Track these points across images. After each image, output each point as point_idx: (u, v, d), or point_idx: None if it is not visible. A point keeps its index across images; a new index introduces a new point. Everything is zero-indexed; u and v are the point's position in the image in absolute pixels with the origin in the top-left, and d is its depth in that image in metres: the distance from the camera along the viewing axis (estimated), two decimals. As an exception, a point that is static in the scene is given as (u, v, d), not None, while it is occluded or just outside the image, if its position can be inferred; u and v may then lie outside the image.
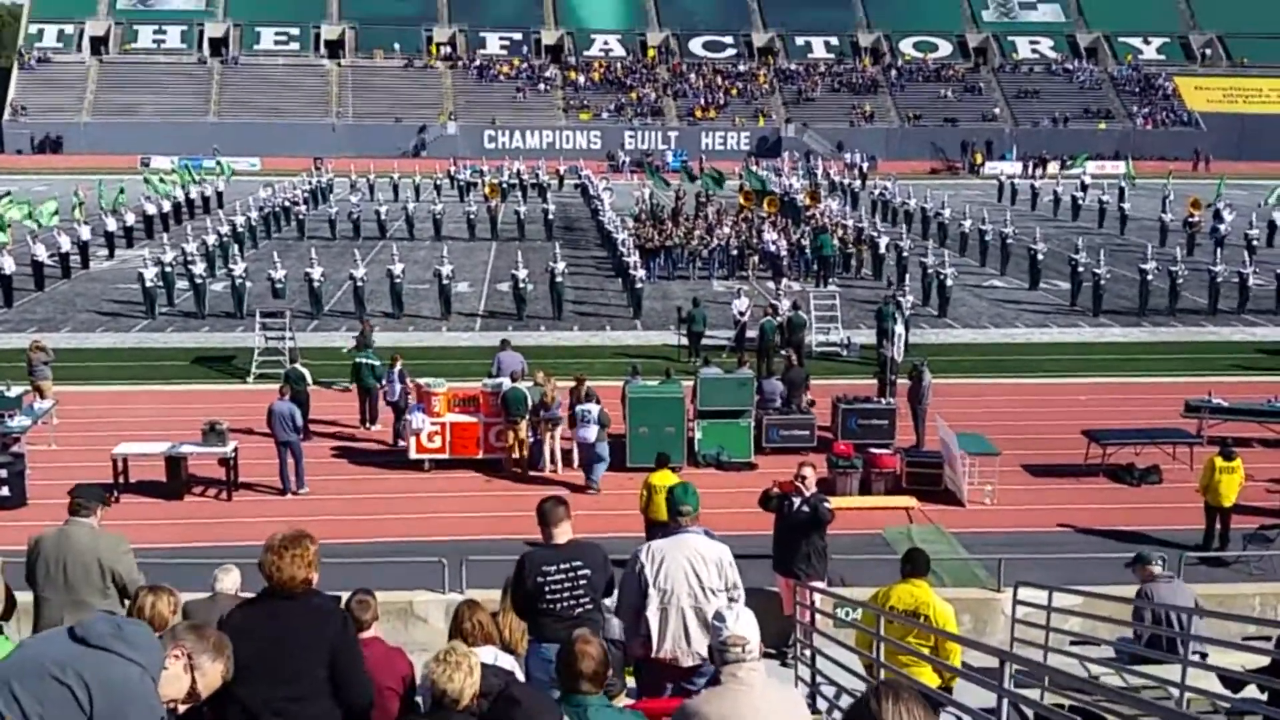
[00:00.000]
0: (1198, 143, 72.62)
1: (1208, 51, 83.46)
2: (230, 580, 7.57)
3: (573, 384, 17.16)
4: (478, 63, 78.63)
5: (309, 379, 18.18)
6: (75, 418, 18.76)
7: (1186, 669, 7.51)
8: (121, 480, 15.61)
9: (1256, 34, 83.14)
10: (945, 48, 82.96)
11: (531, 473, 16.73)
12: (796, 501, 10.71)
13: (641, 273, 28.20)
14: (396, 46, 78.69)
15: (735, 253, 32.60)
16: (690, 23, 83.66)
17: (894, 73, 79.91)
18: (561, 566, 6.23)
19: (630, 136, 72.34)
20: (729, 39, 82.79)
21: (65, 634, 3.26)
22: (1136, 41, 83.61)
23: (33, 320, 26.84)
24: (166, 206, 41.38)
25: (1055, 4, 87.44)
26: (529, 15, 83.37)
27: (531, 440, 16.91)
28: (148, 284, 26.92)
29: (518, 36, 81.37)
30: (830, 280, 30.86)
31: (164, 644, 3.51)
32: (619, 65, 79.15)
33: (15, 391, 18.01)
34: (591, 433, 16.09)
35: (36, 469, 16.05)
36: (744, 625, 4.46)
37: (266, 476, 16.19)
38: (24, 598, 6.96)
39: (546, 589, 6.21)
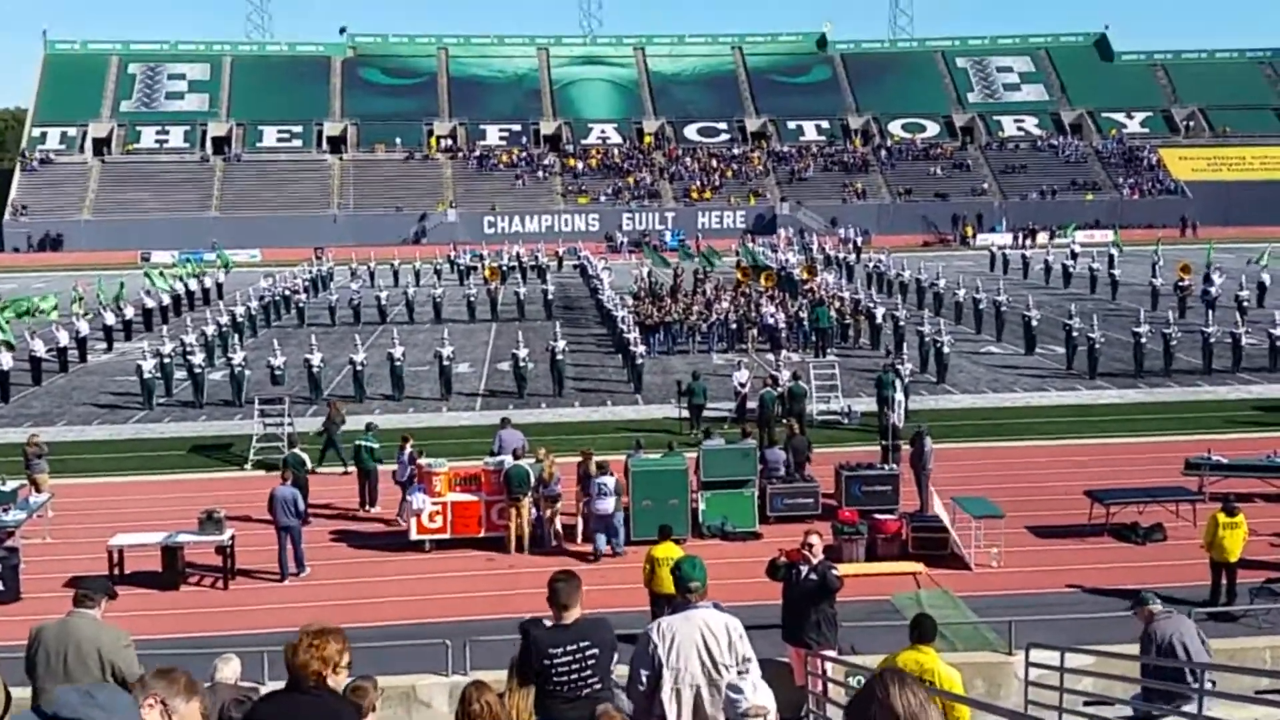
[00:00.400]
0: (1184, 210, 73.80)
1: (1190, 124, 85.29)
2: (230, 669, 7.55)
3: (578, 459, 17.14)
4: (477, 153, 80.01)
5: (308, 463, 18.08)
6: (71, 510, 18.54)
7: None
8: (118, 572, 15.39)
9: (1236, 105, 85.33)
10: (933, 128, 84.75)
11: (534, 551, 16.56)
12: (804, 570, 10.64)
13: (641, 349, 28.35)
14: (398, 141, 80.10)
15: (734, 326, 32.91)
16: (684, 111, 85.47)
17: (884, 152, 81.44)
18: (568, 648, 6.15)
19: (628, 218, 73.31)
20: (722, 125, 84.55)
21: (32, 714, 3.16)
22: (1119, 117, 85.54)
23: (29, 415, 26.59)
24: (166, 300, 41.60)
25: (1038, 84, 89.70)
26: (527, 109, 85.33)
27: (533, 517, 16.81)
28: (145, 376, 26.93)
29: (517, 128, 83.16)
30: (829, 351, 31.15)
31: (136, 697, 3.51)
32: (616, 152, 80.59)
33: (10, 486, 17.87)
34: (609, 504, 16.12)
35: (31, 563, 15.90)
36: (762, 695, 4.48)
37: (265, 563, 16.00)
38: (19, 693, 6.92)
39: (553, 671, 6.14)
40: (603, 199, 75.37)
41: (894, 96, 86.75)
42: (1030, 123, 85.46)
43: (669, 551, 12.51)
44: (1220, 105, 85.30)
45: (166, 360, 28.10)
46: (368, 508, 18.61)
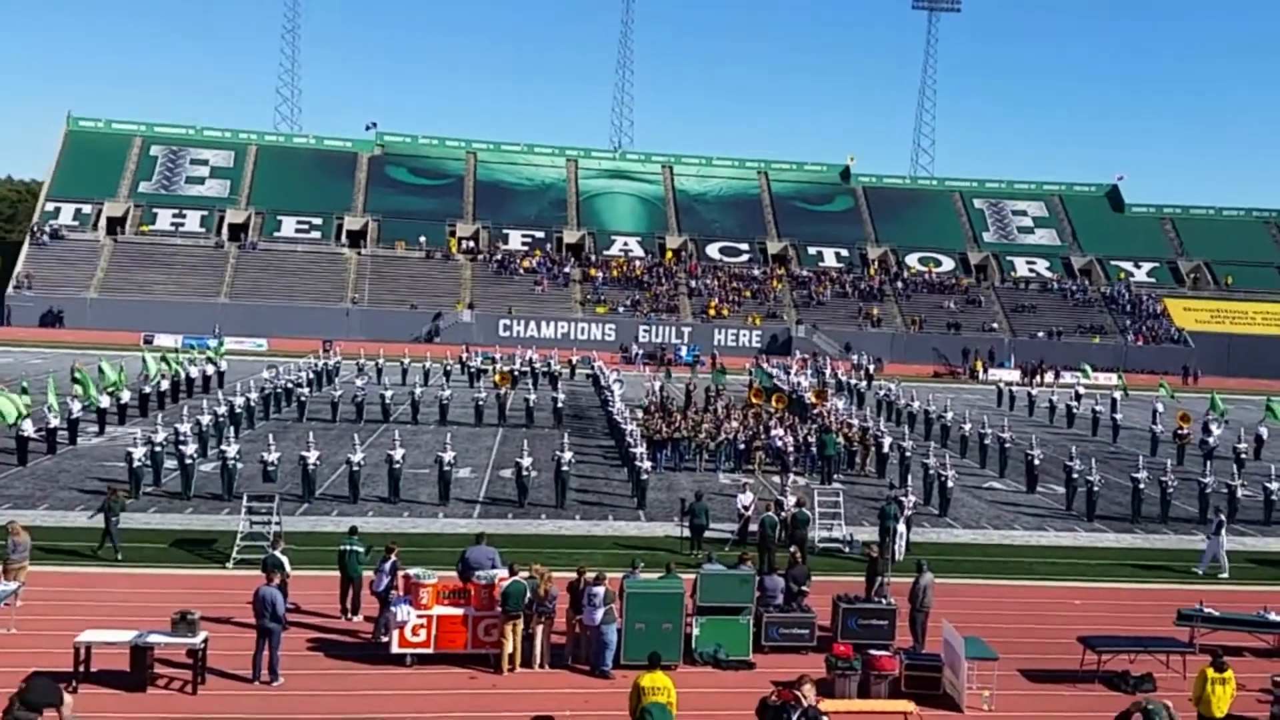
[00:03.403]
0: (1187, 359, 74.98)
1: (1195, 276, 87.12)
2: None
3: (574, 576, 16.96)
4: (499, 256, 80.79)
5: (288, 567, 17.10)
6: (42, 600, 17.82)
7: None
8: (83, 669, 14.76)
9: (1240, 261, 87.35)
10: (948, 263, 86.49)
11: (521, 669, 16.11)
12: (795, 714, 10.81)
13: (647, 464, 28.29)
14: (422, 239, 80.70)
15: (743, 447, 33.12)
16: (708, 230, 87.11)
17: (899, 283, 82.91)
18: None
19: (645, 330, 74.13)
20: (744, 245, 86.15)
21: None
22: (1128, 265, 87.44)
23: (10, 497, 25.58)
24: (165, 385, 40.63)
25: (1051, 229, 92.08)
26: (552, 216, 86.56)
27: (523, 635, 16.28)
28: (135, 463, 25.94)
29: (540, 234, 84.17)
30: (834, 478, 31.46)
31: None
32: (638, 264, 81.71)
33: None
34: (598, 615, 15.92)
35: (-10, 654, 15.36)
36: None
37: (239, 668, 15.38)
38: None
39: None
40: (621, 310, 76.32)
41: (912, 230, 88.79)
42: (1042, 265, 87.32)
43: (656, 681, 12.40)
44: (1225, 260, 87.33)
45: (158, 448, 27.17)
46: (349, 616, 18.00)
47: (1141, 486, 28.59)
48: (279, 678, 15.26)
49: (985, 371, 69.81)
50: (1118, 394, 48.41)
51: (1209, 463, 32.84)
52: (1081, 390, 52.15)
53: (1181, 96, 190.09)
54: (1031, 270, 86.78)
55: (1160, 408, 44.24)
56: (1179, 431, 39.03)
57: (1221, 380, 68.18)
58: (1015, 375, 66.34)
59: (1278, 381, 68.68)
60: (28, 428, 29.49)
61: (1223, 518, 24.45)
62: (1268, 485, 29.12)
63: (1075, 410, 47.44)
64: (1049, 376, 66.20)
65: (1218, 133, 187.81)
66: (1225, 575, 23.20)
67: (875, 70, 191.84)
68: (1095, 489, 28.50)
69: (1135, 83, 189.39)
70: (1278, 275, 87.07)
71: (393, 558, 17.46)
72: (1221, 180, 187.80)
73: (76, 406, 33.66)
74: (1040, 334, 77.59)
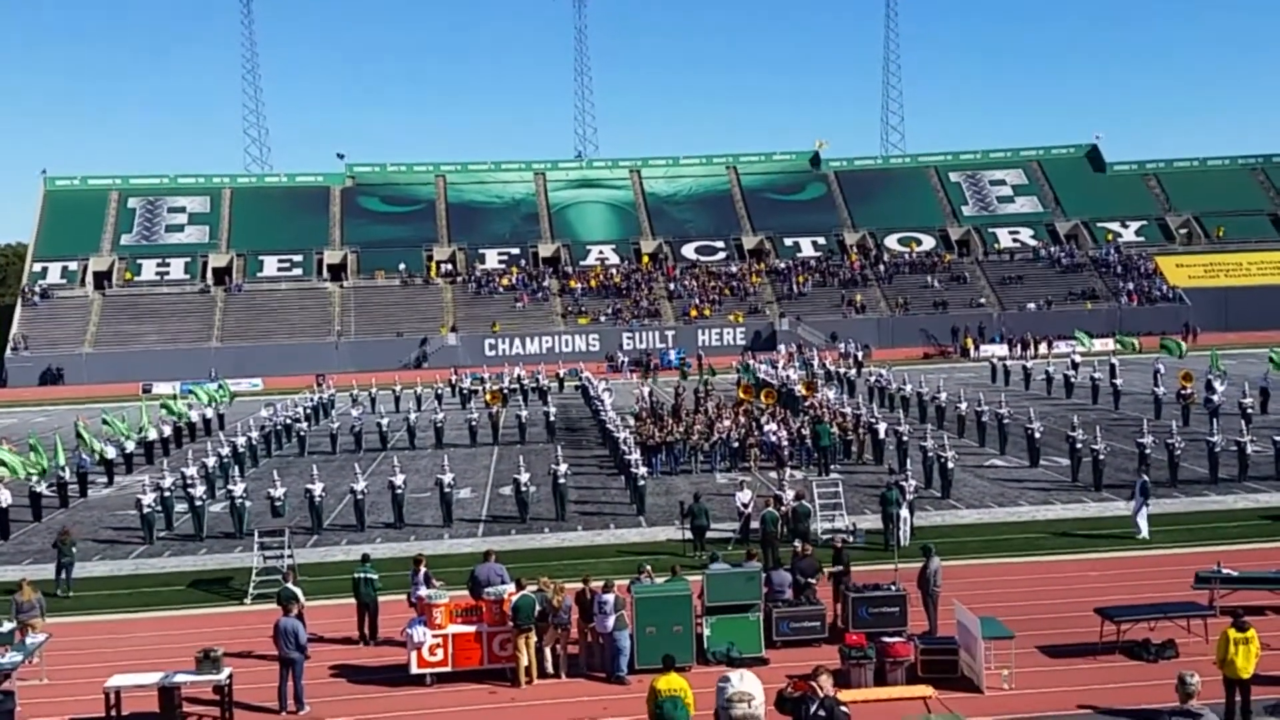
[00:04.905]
0: (1184, 317, 74.17)
1: (1185, 231, 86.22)
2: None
3: (579, 586, 17.05)
4: (477, 276, 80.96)
5: (301, 598, 17.66)
6: (69, 649, 18.25)
7: None
8: (115, 714, 15.04)
9: (1229, 212, 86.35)
10: (928, 241, 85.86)
11: (539, 681, 16.21)
12: (813, 705, 10.59)
13: (643, 470, 28.22)
14: (402, 266, 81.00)
15: (736, 445, 32.82)
16: (681, 230, 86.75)
17: (881, 266, 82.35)
18: None
19: (628, 338, 73.86)
20: (719, 243, 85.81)
21: None
22: (1114, 226, 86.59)
23: (29, 552, 26.31)
24: (168, 431, 41.55)
25: (1032, 196, 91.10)
26: (525, 232, 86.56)
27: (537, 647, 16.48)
28: (145, 510, 26.70)
29: (515, 251, 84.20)
30: (831, 468, 31.03)
31: None
32: (615, 272, 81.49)
33: (7, 627, 17.61)
34: (609, 622, 15.94)
35: (28, 705, 15.54)
36: (748, 683, 4.55)
37: (265, 700, 15.67)
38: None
39: None
40: (603, 319, 76.11)
41: (889, 211, 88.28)
42: (1025, 234, 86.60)
43: (672, 683, 12.25)
44: (1214, 212, 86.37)
45: (167, 493, 27.98)
46: (370, 642, 18.20)
47: (1148, 451, 28.09)
48: (305, 706, 15.49)
49: (976, 348, 69.35)
50: (1115, 359, 47.94)
51: (1215, 421, 32.34)
52: (1078, 359, 51.71)
53: (1154, 46, 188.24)
54: (1015, 240, 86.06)
55: (1162, 369, 43.76)
56: (1182, 392, 38.54)
57: (1221, 335, 67.43)
58: (1005, 349, 65.64)
59: (1278, 332, 68.13)
60: (40, 484, 30.48)
61: (1145, 479, 23.92)
62: (1277, 439, 28.55)
63: (1073, 379, 47.00)
64: (1041, 348, 65.54)
65: (1194, 81, 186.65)
66: (1143, 537, 22.66)
67: (839, 50, 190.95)
68: (1100, 458, 27.91)
69: (1105, 36, 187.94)
70: (1270, 223, 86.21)
71: (423, 569, 17.95)
72: (1203, 129, 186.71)
73: (89, 459, 34.57)
74: (1030, 305, 77.11)
